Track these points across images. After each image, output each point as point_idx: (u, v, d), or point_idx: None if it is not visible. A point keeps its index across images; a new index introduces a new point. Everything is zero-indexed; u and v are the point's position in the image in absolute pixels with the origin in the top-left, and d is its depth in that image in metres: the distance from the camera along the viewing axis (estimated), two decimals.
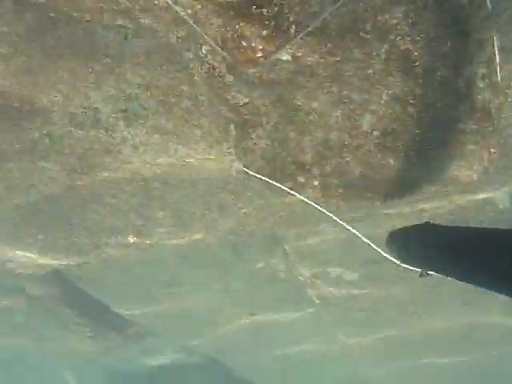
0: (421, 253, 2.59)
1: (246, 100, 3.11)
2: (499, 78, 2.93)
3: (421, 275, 2.53)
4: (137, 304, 5.95)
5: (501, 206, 4.02)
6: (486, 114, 3.06)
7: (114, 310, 6.15)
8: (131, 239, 4.24)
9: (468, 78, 2.94)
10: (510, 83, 3.13)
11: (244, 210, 4.08)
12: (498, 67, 2.88)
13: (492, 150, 3.20)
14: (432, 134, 3.22)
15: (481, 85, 2.97)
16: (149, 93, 3.17)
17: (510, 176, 3.76)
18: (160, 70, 3.06)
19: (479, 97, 3.00)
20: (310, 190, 3.59)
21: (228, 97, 3.10)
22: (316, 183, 3.56)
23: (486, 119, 3.08)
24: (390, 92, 3.02)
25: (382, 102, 3.06)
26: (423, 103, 3.05)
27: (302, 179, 3.54)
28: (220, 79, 3.02)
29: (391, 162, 3.41)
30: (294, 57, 2.89)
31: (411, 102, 3.05)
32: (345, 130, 3.24)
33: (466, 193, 3.90)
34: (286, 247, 4.78)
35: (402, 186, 3.58)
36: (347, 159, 3.40)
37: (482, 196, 3.94)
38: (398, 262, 2.70)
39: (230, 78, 3.00)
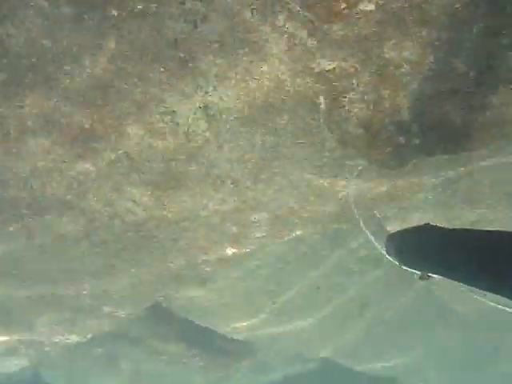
0: (421, 254, 2.53)
1: (333, 64, 2.85)
2: None
3: (421, 277, 2.44)
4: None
5: None
6: None
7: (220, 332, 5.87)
8: (229, 251, 4.00)
9: None
10: None
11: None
12: None
13: None
14: None
15: None
16: (227, 82, 2.91)
17: None
18: (235, 54, 2.79)
19: None
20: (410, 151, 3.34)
21: (313, 65, 2.85)
22: (417, 141, 3.29)
23: None
24: (481, 25, 2.75)
25: (473, 37, 2.79)
26: None
27: (402, 140, 3.27)
28: (302, 47, 2.77)
29: (493, 100, 3.14)
30: (377, 5, 2.64)
31: (503, 32, 2.76)
32: (440, 76, 2.97)
33: None
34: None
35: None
36: (447, 108, 3.13)
37: None
38: (398, 264, 2.61)
39: (312, 43, 2.75)
